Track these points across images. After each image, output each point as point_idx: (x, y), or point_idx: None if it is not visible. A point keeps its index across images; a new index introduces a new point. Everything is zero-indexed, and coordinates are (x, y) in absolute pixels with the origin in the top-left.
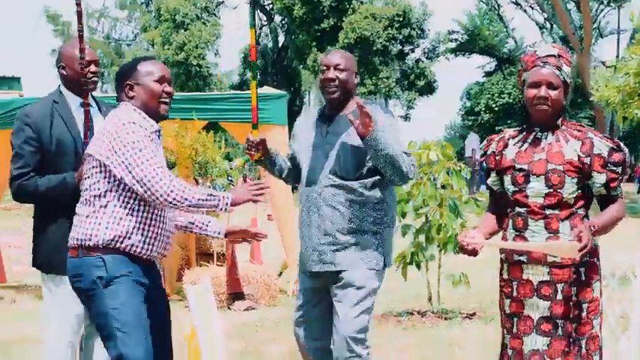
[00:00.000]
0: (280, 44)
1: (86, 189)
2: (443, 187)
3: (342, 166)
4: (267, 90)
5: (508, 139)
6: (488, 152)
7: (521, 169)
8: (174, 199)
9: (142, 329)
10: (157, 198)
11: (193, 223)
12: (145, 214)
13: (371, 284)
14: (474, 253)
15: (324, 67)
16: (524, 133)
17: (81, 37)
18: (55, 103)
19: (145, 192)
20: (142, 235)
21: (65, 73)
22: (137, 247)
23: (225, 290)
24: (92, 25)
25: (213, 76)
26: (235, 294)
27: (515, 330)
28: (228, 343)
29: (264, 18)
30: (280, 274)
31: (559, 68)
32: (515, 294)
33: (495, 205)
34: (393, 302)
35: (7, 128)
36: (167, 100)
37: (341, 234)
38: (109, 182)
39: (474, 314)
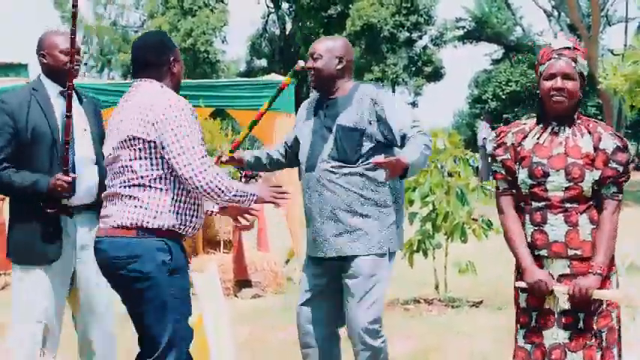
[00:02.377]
0: (287, 32)
1: (133, 171)
2: (450, 174)
3: (340, 149)
4: (274, 77)
5: (528, 130)
6: (508, 144)
7: (539, 163)
8: (212, 190)
9: (188, 321)
10: (197, 188)
11: None
12: (190, 194)
13: (379, 271)
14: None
15: (309, 57)
16: (541, 126)
17: (73, 39)
18: (34, 91)
19: (187, 180)
20: (193, 216)
21: (46, 61)
22: (189, 229)
23: (231, 277)
24: (99, 11)
25: (220, 62)
26: (242, 281)
27: (534, 324)
28: (235, 331)
29: (272, 5)
30: (287, 261)
31: (575, 60)
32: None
33: (514, 203)
34: (399, 290)
35: None
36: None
37: (343, 218)
38: (162, 166)
39: (481, 302)
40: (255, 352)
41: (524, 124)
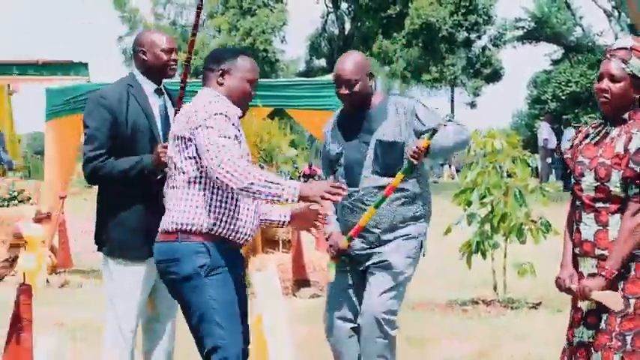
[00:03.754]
0: (346, 31)
1: (180, 171)
2: (509, 175)
3: (382, 165)
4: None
5: (592, 130)
6: (574, 144)
7: (581, 162)
8: (227, 172)
9: (238, 323)
10: (213, 172)
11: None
12: (234, 196)
13: (408, 271)
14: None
15: (335, 83)
16: (601, 127)
17: (192, 41)
18: (130, 87)
19: (209, 170)
20: (239, 220)
21: (145, 58)
22: (234, 232)
23: (290, 277)
24: (158, 11)
25: (279, 62)
26: (300, 281)
27: (570, 321)
28: (294, 330)
29: (331, 5)
30: None
31: (626, 61)
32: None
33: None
34: (458, 291)
35: (74, 113)
36: (249, 101)
37: (385, 231)
38: (198, 166)
39: (540, 304)
40: (313, 352)
41: (591, 124)
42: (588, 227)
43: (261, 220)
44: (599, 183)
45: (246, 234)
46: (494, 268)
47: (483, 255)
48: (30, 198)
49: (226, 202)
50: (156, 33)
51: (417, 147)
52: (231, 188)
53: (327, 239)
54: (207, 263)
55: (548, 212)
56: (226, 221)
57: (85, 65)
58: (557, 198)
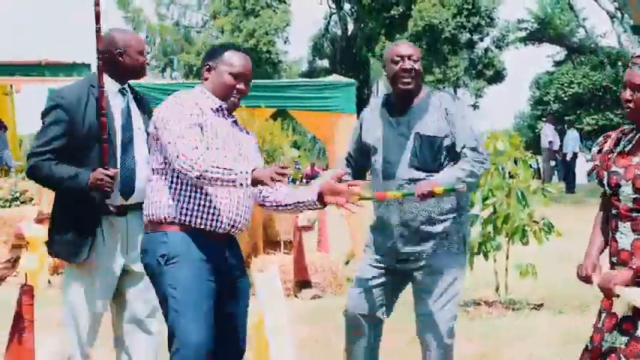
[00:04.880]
0: (349, 32)
1: (152, 164)
2: (511, 176)
3: (421, 159)
4: (335, 78)
5: (620, 137)
6: (604, 149)
7: (615, 172)
8: (181, 165)
9: (199, 311)
10: (173, 164)
11: (288, 204)
12: (206, 188)
13: (457, 269)
14: (589, 280)
15: (398, 58)
16: (633, 133)
17: (99, 36)
18: (92, 87)
19: (171, 158)
20: (206, 207)
21: (122, 59)
22: (202, 219)
23: (292, 278)
24: (162, 11)
25: (282, 63)
26: (302, 282)
27: (600, 325)
28: (295, 331)
29: (334, 6)
30: (347, 262)
31: None
32: None
33: (604, 206)
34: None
35: None
36: (237, 97)
37: (425, 225)
38: (163, 156)
39: (542, 305)
40: (314, 353)
41: (622, 129)
42: (625, 236)
43: (293, 204)
44: (637, 195)
45: (222, 222)
46: (496, 269)
47: (485, 256)
48: (32, 199)
49: (195, 192)
50: (130, 34)
51: (427, 190)
52: (191, 177)
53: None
54: (167, 252)
55: (550, 213)
56: (196, 211)
57: (88, 66)
58: (560, 199)
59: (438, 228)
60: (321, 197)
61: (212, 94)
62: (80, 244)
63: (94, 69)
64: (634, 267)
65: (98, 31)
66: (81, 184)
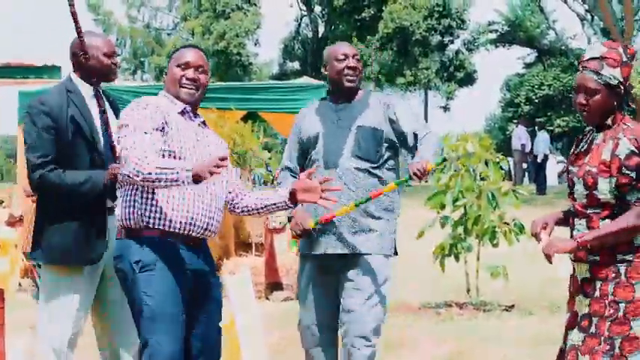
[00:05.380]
0: (320, 34)
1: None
2: (482, 178)
3: (363, 149)
4: (306, 80)
5: (581, 139)
6: (572, 152)
7: (571, 171)
8: (128, 171)
9: (174, 322)
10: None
11: (259, 208)
12: (175, 191)
13: (388, 272)
14: (537, 237)
15: (343, 57)
16: (589, 134)
17: (82, 40)
18: (69, 92)
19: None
20: (179, 211)
21: (88, 62)
22: (176, 224)
23: (263, 280)
24: (132, 14)
25: (253, 65)
26: (273, 284)
27: (566, 324)
28: (267, 333)
29: (304, 8)
30: None
31: (598, 72)
32: (571, 289)
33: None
34: (431, 294)
35: None
36: (188, 84)
37: (360, 217)
38: None
39: (512, 306)
40: (286, 355)
41: (585, 132)
42: (580, 233)
43: (264, 207)
44: (587, 191)
45: (196, 226)
46: (467, 271)
47: (456, 258)
48: (2, 202)
49: (168, 196)
50: (96, 37)
51: (422, 168)
52: (136, 182)
53: (289, 219)
54: (141, 259)
55: (521, 215)
56: (170, 215)
57: (59, 68)
58: (530, 201)
59: (372, 222)
60: (293, 196)
61: (173, 97)
62: (94, 247)
63: (64, 71)
64: (578, 240)
65: (79, 31)
66: (98, 185)
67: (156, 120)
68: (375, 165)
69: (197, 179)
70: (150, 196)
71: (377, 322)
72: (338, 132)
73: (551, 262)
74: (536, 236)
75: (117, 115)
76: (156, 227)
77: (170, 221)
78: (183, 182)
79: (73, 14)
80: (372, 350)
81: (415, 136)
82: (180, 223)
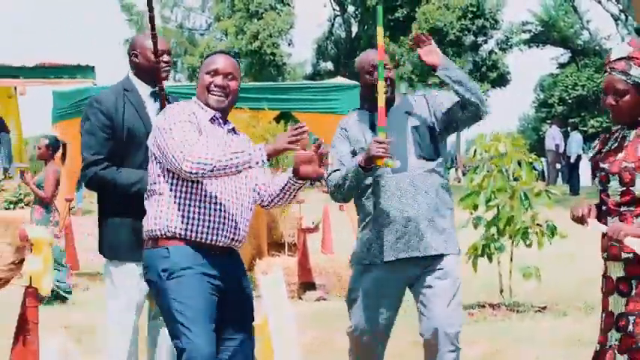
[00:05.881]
0: (353, 34)
1: (151, 179)
2: (515, 179)
3: (426, 149)
4: (339, 80)
5: (609, 137)
6: (595, 151)
7: (603, 169)
8: (191, 168)
9: (206, 324)
10: (178, 170)
11: (278, 193)
12: (203, 199)
13: (459, 272)
14: (583, 220)
15: (371, 69)
16: (618, 133)
17: (155, 41)
18: (126, 91)
19: (168, 165)
20: (206, 221)
21: (138, 61)
22: (202, 234)
23: (296, 280)
24: (165, 14)
25: (286, 65)
26: (306, 284)
27: (602, 325)
28: (300, 333)
29: (338, 8)
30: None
31: (626, 73)
32: (603, 290)
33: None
34: (464, 294)
35: (80, 116)
36: (217, 92)
37: (437, 217)
38: (160, 169)
39: (546, 307)
40: (319, 355)
41: (612, 131)
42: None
43: (281, 191)
44: (624, 187)
45: (222, 236)
46: (500, 271)
47: (489, 258)
48: None
49: (195, 206)
50: (148, 36)
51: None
52: (204, 175)
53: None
54: (169, 267)
55: (553, 215)
56: (196, 225)
57: (92, 68)
58: (563, 201)
59: (444, 222)
60: (296, 172)
61: (203, 104)
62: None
63: (97, 71)
64: (628, 232)
65: (154, 36)
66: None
67: (194, 123)
68: (437, 162)
69: (274, 155)
70: (176, 206)
71: (459, 326)
72: (395, 137)
73: (622, 245)
74: (580, 220)
75: None
76: (182, 237)
77: (196, 232)
78: (257, 163)
79: (151, 19)
80: (456, 353)
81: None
82: (207, 233)
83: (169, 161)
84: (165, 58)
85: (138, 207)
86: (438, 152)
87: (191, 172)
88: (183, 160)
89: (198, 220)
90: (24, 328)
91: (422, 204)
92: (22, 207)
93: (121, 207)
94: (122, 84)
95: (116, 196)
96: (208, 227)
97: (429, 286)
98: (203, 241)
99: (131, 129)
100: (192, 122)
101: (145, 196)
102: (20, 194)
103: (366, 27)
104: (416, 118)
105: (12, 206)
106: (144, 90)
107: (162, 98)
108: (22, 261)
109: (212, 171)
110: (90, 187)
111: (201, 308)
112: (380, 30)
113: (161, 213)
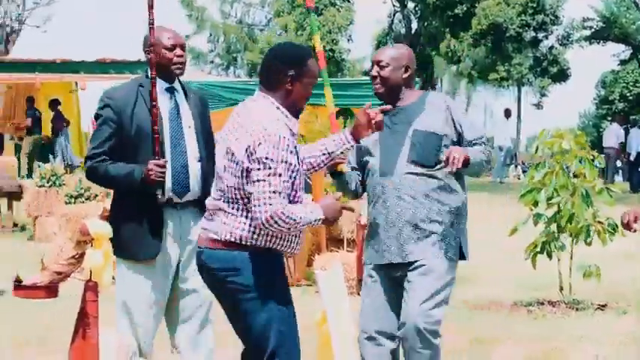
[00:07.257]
0: (413, 31)
1: (231, 185)
2: (576, 176)
3: (421, 154)
4: None
5: None
6: None
7: None
8: (271, 224)
9: (296, 329)
10: (258, 218)
11: (322, 162)
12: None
13: (449, 275)
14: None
15: (370, 65)
16: None
17: (151, 29)
18: (141, 87)
19: (254, 210)
20: (295, 236)
21: (150, 56)
22: (287, 247)
23: (355, 276)
24: (225, 9)
25: (345, 61)
26: None
27: None
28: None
29: (397, 4)
30: None
31: None
32: None
33: None
34: (523, 292)
35: None
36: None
37: (423, 223)
38: (244, 184)
39: (606, 305)
40: None
41: None
42: None
43: (324, 157)
44: None
45: (296, 249)
46: (559, 269)
47: (549, 256)
48: (97, 195)
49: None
50: (160, 31)
51: (460, 155)
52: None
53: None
54: (262, 274)
55: (614, 213)
56: (281, 237)
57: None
58: (624, 199)
59: (435, 227)
60: (354, 134)
61: (288, 112)
62: (149, 240)
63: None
64: None
65: (151, 23)
66: (136, 179)
67: (293, 164)
68: (433, 169)
69: (325, 223)
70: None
71: (434, 325)
72: (393, 138)
73: None
74: (627, 226)
75: (203, 110)
76: (265, 246)
77: (281, 244)
78: (312, 226)
79: (150, 5)
80: (431, 352)
81: (471, 143)
82: (290, 242)
83: (255, 200)
84: (179, 52)
85: (148, 206)
86: (438, 161)
87: (262, 224)
88: (265, 212)
89: (284, 236)
90: (84, 322)
91: (405, 209)
92: (83, 202)
93: (132, 208)
94: (139, 80)
95: (126, 195)
96: (292, 240)
97: (409, 281)
98: (284, 251)
99: (140, 125)
100: (293, 164)
101: (224, 195)
102: (81, 189)
103: (425, 23)
104: (423, 121)
105: (72, 201)
106: (159, 85)
107: (153, 86)
108: (82, 255)
109: (288, 229)
110: (88, 178)
111: (293, 317)
112: (316, 37)
113: (240, 220)
